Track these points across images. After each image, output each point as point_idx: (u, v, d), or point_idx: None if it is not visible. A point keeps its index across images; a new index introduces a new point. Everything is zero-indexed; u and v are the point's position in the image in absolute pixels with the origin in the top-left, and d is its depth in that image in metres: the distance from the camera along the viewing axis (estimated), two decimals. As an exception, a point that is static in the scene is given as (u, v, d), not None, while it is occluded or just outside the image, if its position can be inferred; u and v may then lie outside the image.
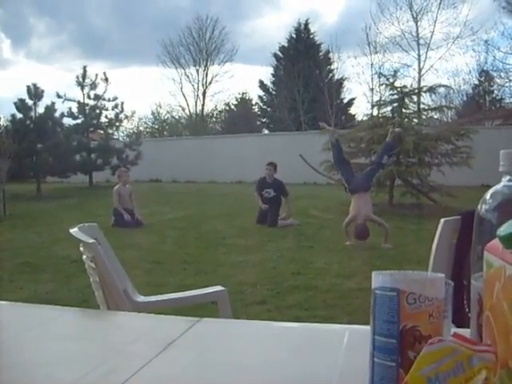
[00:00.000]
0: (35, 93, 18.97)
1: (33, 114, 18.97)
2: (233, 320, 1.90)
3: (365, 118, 19.17)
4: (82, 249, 2.37)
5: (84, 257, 2.39)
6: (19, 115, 18.92)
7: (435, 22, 31.95)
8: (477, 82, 33.13)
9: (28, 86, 18.94)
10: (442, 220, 2.13)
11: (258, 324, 1.46)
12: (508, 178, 0.83)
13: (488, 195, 0.84)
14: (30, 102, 18.94)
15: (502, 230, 0.68)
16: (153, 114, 39.37)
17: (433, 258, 2.10)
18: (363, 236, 8.22)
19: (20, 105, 18.90)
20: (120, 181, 11.31)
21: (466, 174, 13.24)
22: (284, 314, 5.10)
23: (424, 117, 15.40)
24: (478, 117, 25.80)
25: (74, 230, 2.32)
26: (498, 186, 0.84)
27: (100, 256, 2.25)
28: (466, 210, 2.01)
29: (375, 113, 17.21)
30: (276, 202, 10.76)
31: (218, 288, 2.98)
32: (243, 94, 39.27)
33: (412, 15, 32.14)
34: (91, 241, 2.25)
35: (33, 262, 7.66)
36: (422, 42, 32.19)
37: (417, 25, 32.13)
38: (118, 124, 21.93)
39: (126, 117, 22.40)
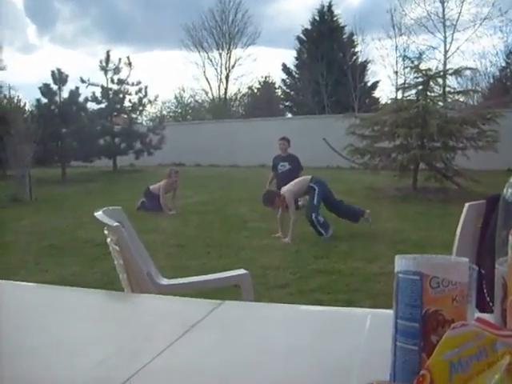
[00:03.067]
0: (59, 78, 19.09)
1: (57, 98, 19.10)
2: (255, 303, 1.91)
3: (389, 102, 18.93)
4: (106, 232, 2.39)
5: (108, 240, 2.42)
6: (44, 100, 19.08)
7: (462, 2, 31.35)
8: (504, 65, 32.51)
9: (52, 71, 19.07)
10: (467, 204, 2.11)
11: (280, 307, 1.47)
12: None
13: (514, 179, 0.83)
14: (54, 87, 19.06)
15: (528, 214, 0.67)
16: (176, 98, 39.40)
17: (457, 243, 2.08)
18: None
19: (45, 90, 19.03)
20: (169, 183, 10.90)
21: (491, 158, 13.04)
22: (306, 297, 5.11)
23: (449, 100, 15.19)
24: (505, 100, 25.33)
25: (98, 214, 2.35)
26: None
27: (124, 239, 2.27)
28: (491, 194, 1.99)
29: (399, 96, 16.96)
30: (292, 177, 10.61)
31: (241, 271, 3.00)
32: (266, 77, 39.13)
33: (439, -4, 31.56)
34: (115, 224, 2.27)
35: (58, 245, 7.77)
36: (448, 23, 31.61)
37: (443, 6, 31.55)
38: (141, 108, 21.96)
39: (150, 101, 22.41)
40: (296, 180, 8.44)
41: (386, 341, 0.79)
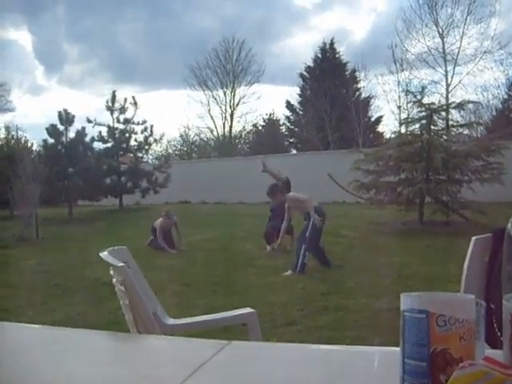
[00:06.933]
0: (66, 118, 19.31)
1: (64, 138, 19.29)
2: (262, 343, 1.89)
3: (393, 136, 19.01)
4: (111, 272, 2.39)
5: (114, 280, 2.41)
6: (51, 140, 19.28)
7: (462, 37, 31.69)
8: (506, 97, 32.69)
9: (59, 112, 19.32)
10: (473, 238, 2.09)
11: (286, 347, 1.45)
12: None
13: (518, 214, 0.82)
14: (61, 128, 19.28)
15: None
16: (181, 136, 39.68)
17: (464, 278, 2.05)
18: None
19: (52, 130, 19.24)
20: (164, 223, 11.04)
21: (497, 190, 13.01)
22: (314, 334, 5.05)
23: (453, 133, 15.24)
24: (508, 132, 25.40)
25: (103, 254, 2.34)
26: (529, 204, 0.82)
27: (129, 279, 2.26)
28: (498, 228, 1.97)
29: (403, 130, 17.04)
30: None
31: (248, 310, 2.97)
32: (270, 114, 39.39)
33: (438, 31, 31.95)
34: (120, 264, 2.27)
35: (65, 285, 7.74)
36: (449, 57, 31.88)
37: (443, 41, 31.90)
38: (147, 147, 22.13)
39: (155, 140, 22.59)
40: None
41: (395, 380, 0.77)
